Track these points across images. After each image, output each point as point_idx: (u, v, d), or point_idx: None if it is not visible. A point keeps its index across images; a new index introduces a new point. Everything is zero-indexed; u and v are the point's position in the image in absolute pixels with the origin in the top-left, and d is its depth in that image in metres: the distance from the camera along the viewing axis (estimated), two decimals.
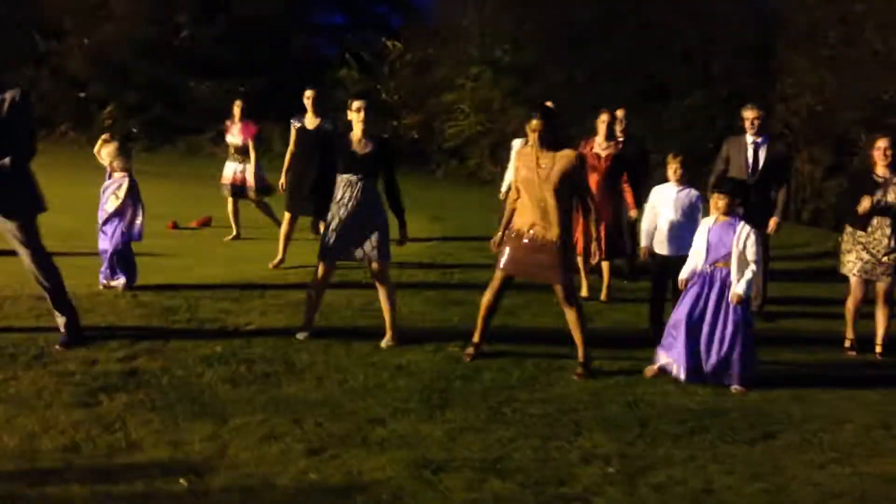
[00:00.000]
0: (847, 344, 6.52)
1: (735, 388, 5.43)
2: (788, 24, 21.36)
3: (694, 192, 6.46)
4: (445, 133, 24.79)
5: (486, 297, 5.77)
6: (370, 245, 5.91)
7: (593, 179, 7.91)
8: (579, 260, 8.04)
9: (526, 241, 5.58)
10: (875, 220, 6.31)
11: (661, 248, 6.46)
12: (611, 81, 23.00)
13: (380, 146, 6.04)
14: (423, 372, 5.48)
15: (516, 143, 9.72)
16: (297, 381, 5.17)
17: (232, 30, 28.10)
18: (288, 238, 8.42)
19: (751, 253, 5.41)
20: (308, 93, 8.36)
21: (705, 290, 5.54)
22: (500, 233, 5.84)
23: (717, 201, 5.57)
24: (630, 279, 8.73)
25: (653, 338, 6.08)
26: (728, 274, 5.47)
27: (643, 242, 6.56)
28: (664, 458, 4.33)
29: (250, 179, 9.73)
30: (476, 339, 5.83)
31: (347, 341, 5.99)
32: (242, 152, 9.80)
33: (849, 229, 6.49)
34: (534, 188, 5.51)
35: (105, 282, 7.06)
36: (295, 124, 8.42)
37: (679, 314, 5.59)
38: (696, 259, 5.65)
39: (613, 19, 23.05)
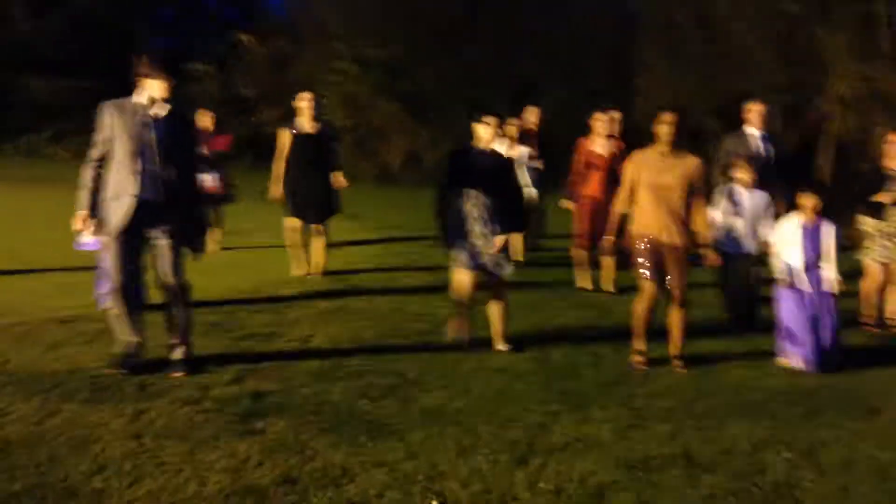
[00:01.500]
0: (871, 322, 7.06)
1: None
2: (647, 22, 22.51)
3: (766, 195, 6.83)
4: None
5: (643, 310, 5.76)
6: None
7: (596, 177, 8.19)
8: (583, 254, 8.31)
9: (659, 245, 5.67)
10: (891, 209, 6.89)
11: (736, 246, 6.72)
12: (481, 77, 23.54)
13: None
14: (528, 374, 5.50)
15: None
16: (427, 391, 5.05)
17: (71, 25, 26.41)
18: (305, 245, 8.20)
19: (833, 246, 5.88)
20: (305, 95, 8.08)
21: (808, 287, 5.91)
22: (611, 237, 5.99)
23: (807, 201, 5.92)
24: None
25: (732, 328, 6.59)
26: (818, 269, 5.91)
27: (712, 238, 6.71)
28: (819, 437, 4.60)
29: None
30: (643, 346, 5.85)
31: (425, 348, 5.93)
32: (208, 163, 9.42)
33: (869, 220, 7.02)
34: (664, 192, 5.61)
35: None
36: (291, 131, 8.12)
37: (791, 314, 5.90)
38: (791, 258, 5.99)
39: (482, 15, 23.53)
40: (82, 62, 25.88)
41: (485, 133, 5.87)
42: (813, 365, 5.77)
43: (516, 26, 23.45)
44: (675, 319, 5.77)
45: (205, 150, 9.37)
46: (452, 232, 5.88)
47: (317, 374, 5.23)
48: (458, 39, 23.67)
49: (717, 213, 6.75)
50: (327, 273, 8.23)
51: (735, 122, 8.57)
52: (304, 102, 8.03)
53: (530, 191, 9.43)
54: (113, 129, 4.83)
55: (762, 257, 6.67)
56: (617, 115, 8.71)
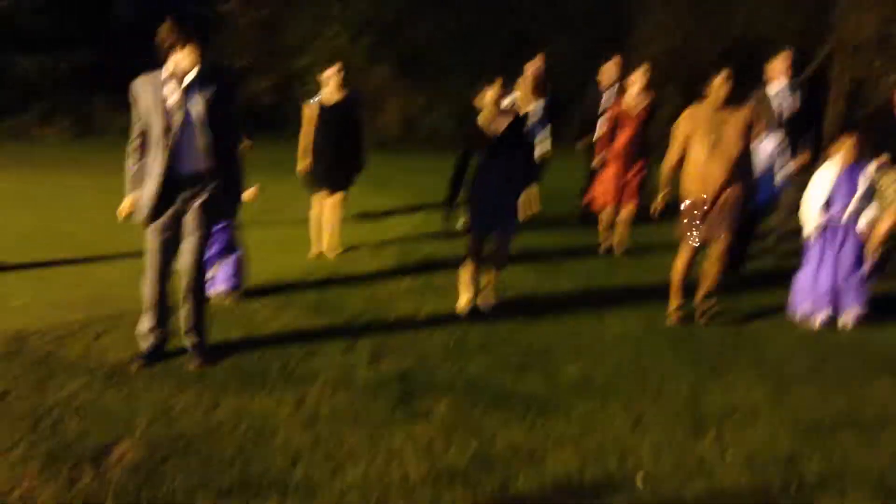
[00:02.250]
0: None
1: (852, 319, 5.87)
2: None
3: (775, 141, 6.87)
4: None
5: (682, 268, 5.87)
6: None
7: (626, 135, 8.10)
8: (610, 212, 8.29)
9: (713, 203, 5.71)
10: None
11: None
12: (479, 35, 23.31)
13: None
14: (647, 341, 5.55)
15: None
16: (563, 363, 5.07)
17: None
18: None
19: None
20: (336, 67, 7.88)
21: (842, 238, 5.90)
22: (661, 194, 6.00)
23: (848, 140, 5.81)
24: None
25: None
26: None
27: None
28: None
29: None
30: (681, 300, 5.94)
31: (530, 317, 5.98)
32: None
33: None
34: (726, 146, 5.64)
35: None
36: (312, 104, 7.94)
37: (821, 269, 5.91)
38: (824, 209, 5.93)
39: None
40: (63, 37, 25.28)
41: (488, 100, 5.84)
42: (854, 316, 5.81)
43: None
44: (713, 270, 5.86)
45: None
46: (477, 198, 5.89)
47: (447, 350, 5.24)
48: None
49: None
50: (387, 243, 8.16)
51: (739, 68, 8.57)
52: (332, 72, 7.83)
53: (545, 144, 9.31)
54: (144, 105, 4.55)
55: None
56: (645, 71, 8.40)
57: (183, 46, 4.46)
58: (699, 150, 5.71)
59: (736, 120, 5.65)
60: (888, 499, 3.53)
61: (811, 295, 5.84)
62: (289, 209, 9.53)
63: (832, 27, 15.31)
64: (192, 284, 4.88)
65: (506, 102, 6.26)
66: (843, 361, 5.19)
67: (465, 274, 6.07)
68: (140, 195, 4.73)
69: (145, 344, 4.95)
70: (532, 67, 9.83)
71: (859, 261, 5.83)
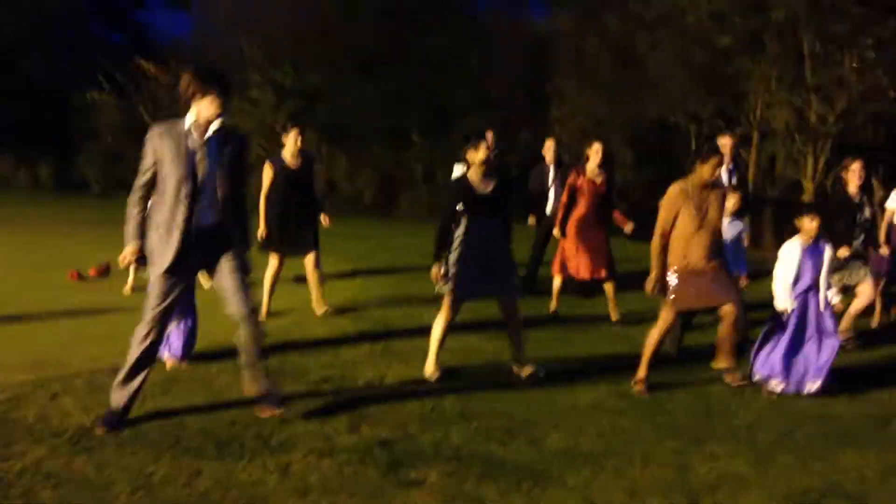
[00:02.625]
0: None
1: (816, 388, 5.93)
2: (559, 52, 23.06)
3: (741, 223, 7.10)
4: None
5: (657, 336, 5.95)
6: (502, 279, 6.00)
7: (586, 205, 8.26)
8: (557, 281, 8.42)
9: (706, 273, 5.87)
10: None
11: None
12: (401, 105, 23.61)
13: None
14: (622, 410, 5.56)
15: (459, 168, 9.87)
16: (546, 432, 5.02)
17: None
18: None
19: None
20: (297, 129, 7.83)
21: (807, 311, 6.05)
22: (656, 274, 6.05)
23: (812, 222, 6.03)
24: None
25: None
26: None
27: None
28: None
29: None
30: (644, 373, 5.99)
31: (501, 385, 5.96)
32: None
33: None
34: (711, 224, 5.88)
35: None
36: (275, 166, 7.87)
37: (785, 338, 6.00)
38: (792, 284, 6.04)
39: (399, 45, 23.59)
40: None
41: (480, 157, 5.89)
42: (794, 386, 5.95)
43: (432, 53, 23.63)
44: (729, 331, 5.93)
45: None
46: (463, 258, 5.88)
47: (425, 418, 5.12)
48: (374, 67, 23.68)
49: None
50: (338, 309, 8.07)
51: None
52: (292, 136, 7.81)
53: None
54: (161, 154, 4.50)
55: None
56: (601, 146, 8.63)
57: (204, 96, 4.43)
58: (686, 226, 5.85)
59: (716, 197, 5.92)
60: None
61: (779, 364, 5.95)
62: None
63: (746, 112, 16.05)
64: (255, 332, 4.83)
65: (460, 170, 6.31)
66: (812, 430, 5.27)
67: (436, 335, 5.97)
68: (146, 245, 4.60)
69: (119, 400, 4.68)
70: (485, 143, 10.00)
71: (826, 332, 5.98)
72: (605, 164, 8.26)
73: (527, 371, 6.08)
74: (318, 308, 7.98)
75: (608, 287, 8.38)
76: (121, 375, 4.71)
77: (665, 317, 5.96)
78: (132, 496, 3.79)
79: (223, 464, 4.24)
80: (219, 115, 4.51)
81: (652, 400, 5.75)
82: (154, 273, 4.61)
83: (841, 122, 14.60)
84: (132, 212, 4.64)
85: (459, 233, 5.96)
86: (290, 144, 7.76)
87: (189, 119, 4.52)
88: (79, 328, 7.10)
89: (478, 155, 5.87)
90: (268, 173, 7.82)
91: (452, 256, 5.94)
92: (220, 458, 4.33)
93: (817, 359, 5.97)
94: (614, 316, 8.33)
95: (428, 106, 23.82)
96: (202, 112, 4.49)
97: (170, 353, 5.97)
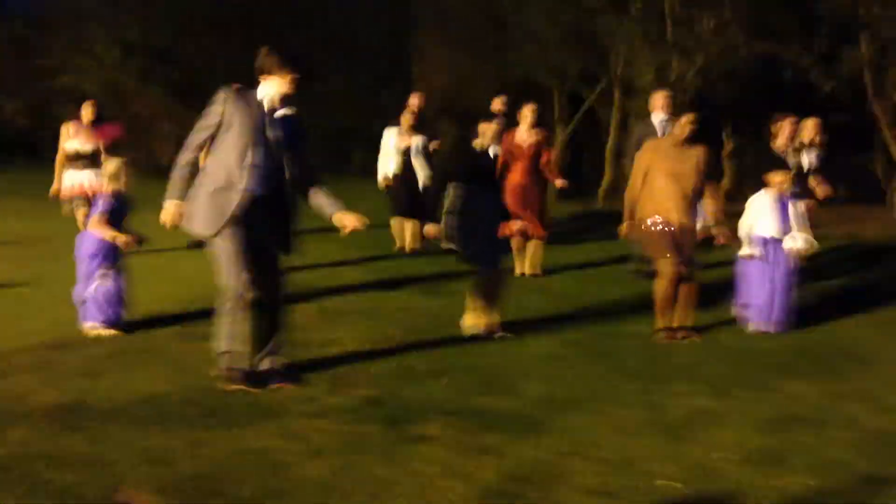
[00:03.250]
0: None
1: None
2: (422, 7, 23.02)
3: None
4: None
5: (669, 290, 6.21)
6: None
7: (520, 167, 8.53)
8: (519, 240, 8.65)
9: (674, 227, 6.18)
10: None
11: None
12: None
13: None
14: (573, 356, 5.82)
15: (391, 132, 9.92)
16: (517, 383, 5.21)
17: None
18: None
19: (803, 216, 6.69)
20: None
21: (775, 257, 6.59)
22: (626, 221, 6.36)
23: (780, 177, 6.59)
24: None
25: None
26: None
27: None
28: None
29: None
30: (669, 322, 6.30)
31: (452, 341, 6.10)
32: (90, 159, 8.69)
33: None
34: (681, 179, 6.14)
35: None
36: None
37: (760, 283, 6.54)
38: (765, 230, 6.60)
39: (256, 2, 22.88)
40: None
41: (490, 132, 6.13)
42: (782, 326, 6.51)
43: (292, 10, 23.08)
44: (687, 293, 6.29)
45: (92, 145, 8.68)
46: (470, 231, 6.02)
47: (397, 376, 5.20)
48: (230, 23, 22.88)
49: None
50: None
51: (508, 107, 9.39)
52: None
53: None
54: (229, 117, 4.52)
55: None
56: (534, 107, 8.89)
57: (280, 75, 4.51)
58: (658, 180, 6.15)
59: (694, 156, 6.18)
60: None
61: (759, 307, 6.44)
62: None
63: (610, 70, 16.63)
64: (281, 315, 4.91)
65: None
66: (753, 365, 5.70)
67: (476, 301, 6.11)
68: (192, 205, 4.61)
69: (238, 365, 4.72)
70: (413, 104, 10.00)
71: (790, 275, 6.52)
72: (536, 126, 8.55)
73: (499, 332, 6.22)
74: None
75: (538, 245, 8.66)
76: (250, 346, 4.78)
77: (664, 267, 6.22)
78: (139, 471, 3.67)
79: (226, 432, 4.16)
80: (291, 93, 4.60)
81: (602, 347, 6.04)
82: (203, 233, 4.64)
83: (699, 78, 15.39)
84: (184, 170, 4.60)
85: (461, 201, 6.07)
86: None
87: (262, 92, 4.57)
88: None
89: (489, 131, 6.11)
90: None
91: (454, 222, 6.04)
92: (218, 426, 4.24)
93: (784, 298, 6.47)
94: (531, 270, 8.63)
95: None
96: (277, 88, 4.55)
97: (97, 321, 5.77)
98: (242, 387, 4.70)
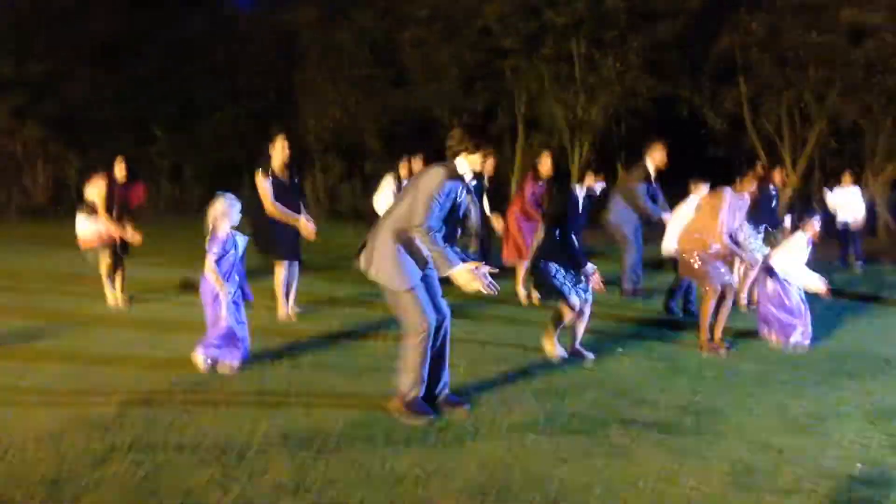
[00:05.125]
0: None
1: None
2: (307, 43, 23.27)
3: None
4: None
5: (712, 307, 7.01)
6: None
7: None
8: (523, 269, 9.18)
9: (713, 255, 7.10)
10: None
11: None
12: (144, 97, 22.41)
13: None
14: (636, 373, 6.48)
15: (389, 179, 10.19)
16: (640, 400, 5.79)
17: None
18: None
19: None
20: (284, 140, 7.75)
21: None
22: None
23: (815, 227, 7.44)
24: None
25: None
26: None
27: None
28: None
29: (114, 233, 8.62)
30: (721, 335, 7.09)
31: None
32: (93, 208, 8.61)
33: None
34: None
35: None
36: (267, 176, 7.67)
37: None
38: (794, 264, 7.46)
39: (146, 35, 22.36)
40: None
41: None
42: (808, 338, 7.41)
43: (177, 43, 22.72)
44: (720, 313, 7.14)
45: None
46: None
47: (546, 392, 5.67)
48: (110, 57, 22.24)
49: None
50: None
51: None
52: (280, 144, 7.71)
53: None
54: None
55: None
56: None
57: (474, 153, 4.92)
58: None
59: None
60: None
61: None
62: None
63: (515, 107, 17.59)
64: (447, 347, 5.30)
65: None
66: (785, 373, 6.50)
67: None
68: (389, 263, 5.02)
69: (416, 397, 5.04)
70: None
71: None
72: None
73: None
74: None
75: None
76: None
77: (709, 291, 7.08)
78: (415, 489, 3.98)
79: (459, 449, 4.50)
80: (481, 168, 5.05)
81: (674, 361, 6.71)
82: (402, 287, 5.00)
83: (602, 117, 16.62)
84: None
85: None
86: (280, 154, 7.65)
87: (462, 168, 4.95)
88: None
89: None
90: (262, 185, 7.64)
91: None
92: (443, 446, 4.56)
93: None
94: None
95: (171, 98, 22.87)
96: (471, 165, 4.96)
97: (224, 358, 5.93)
98: (428, 415, 5.02)
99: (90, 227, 8.44)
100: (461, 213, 5.10)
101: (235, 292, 6.04)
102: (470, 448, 4.59)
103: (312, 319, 8.04)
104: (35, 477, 4.00)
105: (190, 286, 8.35)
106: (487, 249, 9.86)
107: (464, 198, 5.03)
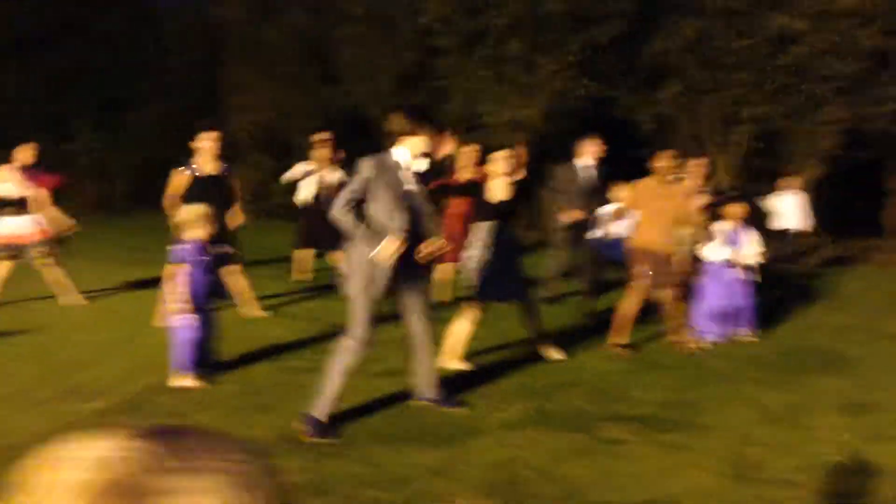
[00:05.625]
0: None
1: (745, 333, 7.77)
2: (235, 39, 22.89)
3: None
4: None
5: (633, 308, 7.03)
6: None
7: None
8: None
9: (658, 256, 7.08)
10: None
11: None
12: (66, 91, 21.71)
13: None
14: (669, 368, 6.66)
15: (301, 166, 10.13)
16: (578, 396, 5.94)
17: None
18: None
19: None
20: (212, 134, 7.38)
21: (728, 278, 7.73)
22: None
23: (739, 209, 7.78)
24: None
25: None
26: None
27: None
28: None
29: (35, 234, 8.21)
30: (627, 340, 7.10)
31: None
32: (18, 205, 8.16)
33: None
34: (666, 214, 7.08)
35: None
36: (185, 172, 7.49)
37: (714, 303, 7.62)
38: (719, 254, 7.73)
39: (65, 27, 21.62)
40: None
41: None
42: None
43: (100, 36, 22.08)
44: (678, 311, 7.27)
45: (30, 191, 8.22)
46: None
47: (535, 392, 5.76)
48: (26, 49, 21.47)
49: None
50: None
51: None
52: (208, 141, 7.39)
53: None
54: (371, 183, 4.86)
55: None
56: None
57: (416, 135, 4.86)
58: (646, 215, 7.08)
59: (679, 193, 7.17)
60: None
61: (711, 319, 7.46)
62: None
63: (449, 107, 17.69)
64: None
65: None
66: (767, 365, 6.79)
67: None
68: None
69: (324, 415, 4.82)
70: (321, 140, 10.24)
71: (746, 292, 7.62)
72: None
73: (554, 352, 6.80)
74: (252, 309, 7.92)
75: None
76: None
77: (637, 289, 7.12)
78: (434, 483, 4.04)
79: (476, 443, 4.56)
80: (425, 153, 4.95)
81: (645, 358, 6.90)
82: (370, 289, 4.91)
83: (539, 117, 16.86)
84: (350, 221, 4.87)
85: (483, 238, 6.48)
86: (206, 151, 7.40)
87: (399, 154, 4.91)
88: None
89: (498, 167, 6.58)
90: (175, 181, 7.40)
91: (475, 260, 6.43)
92: (456, 443, 4.62)
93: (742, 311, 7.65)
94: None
95: (96, 93, 22.22)
96: (412, 148, 4.91)
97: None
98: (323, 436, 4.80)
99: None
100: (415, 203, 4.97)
101: (202, 299, 5.81)
102: (472, 446, 4.66)
103: (285, 319, 7.96)
104: None
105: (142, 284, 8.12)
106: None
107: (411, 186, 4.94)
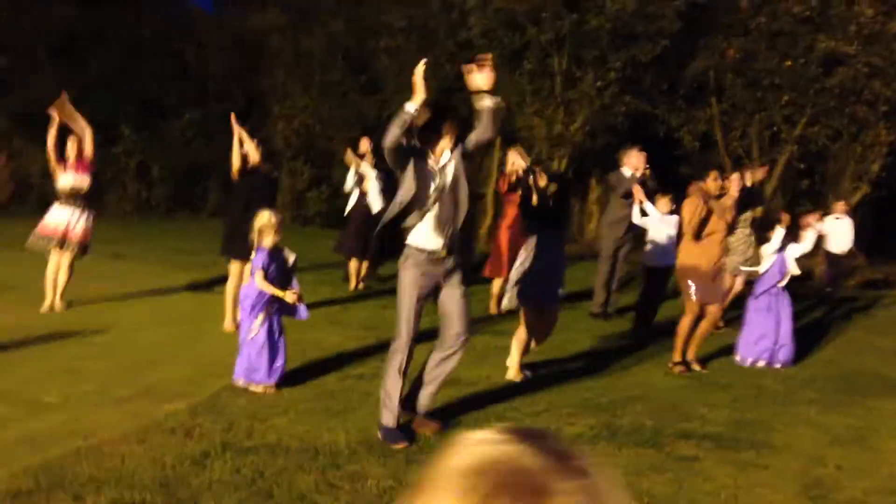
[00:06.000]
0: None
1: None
2: (275, 48, 23.19)
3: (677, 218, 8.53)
4: None
5: (688, 326, 7.04)
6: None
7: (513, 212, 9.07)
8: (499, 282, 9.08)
9: (711, 272, 7.12)
10: None
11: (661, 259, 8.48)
12: (108, 95, 22.01)
13: None
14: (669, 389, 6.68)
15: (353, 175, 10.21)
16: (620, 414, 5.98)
17: None
18: None
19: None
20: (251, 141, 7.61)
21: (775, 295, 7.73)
22: None
23: (786, 217, 7.76)
24: None
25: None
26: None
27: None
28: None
29: (83, 232, 8.19)
30: (682, 357, 7.10)
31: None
32: (78, 198, 8.16)
33: None
34: (715, 233, 7.12)
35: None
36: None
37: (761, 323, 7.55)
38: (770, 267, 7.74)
39: (103, 32, 21.95)
40: None
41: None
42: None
43: (144, 40, 22.41)
44: (706, 330, 7.20)
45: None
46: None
47: (595, 407, 5.81)
48: (74, 53, 21.82)
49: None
50: None
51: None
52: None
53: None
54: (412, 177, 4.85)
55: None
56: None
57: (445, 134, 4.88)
58: (708, 230, 7.12)
59: (726, 208, 7.17)
60: None
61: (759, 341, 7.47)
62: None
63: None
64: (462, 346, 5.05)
65: None
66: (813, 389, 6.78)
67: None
68: None
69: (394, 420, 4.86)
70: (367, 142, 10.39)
71: (788, 313, 7.62)
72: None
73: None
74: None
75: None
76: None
77: (692, 307, 7.12)
78: None
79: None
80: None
81: (704, 376, 6.93)
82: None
83: (581, 132, 16.92)
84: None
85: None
86: (253, 148, 7.58)
87: (434, 151, 4.95)
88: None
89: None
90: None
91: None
92: None
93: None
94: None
95: (138, 97, 22.53)
96: (444, 146, 4.94)
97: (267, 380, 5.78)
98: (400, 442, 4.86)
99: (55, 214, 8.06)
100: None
101: (276, 308, 5.90)
102: None
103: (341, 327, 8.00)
104: (143, 479, 3.98)
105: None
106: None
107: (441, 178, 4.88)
